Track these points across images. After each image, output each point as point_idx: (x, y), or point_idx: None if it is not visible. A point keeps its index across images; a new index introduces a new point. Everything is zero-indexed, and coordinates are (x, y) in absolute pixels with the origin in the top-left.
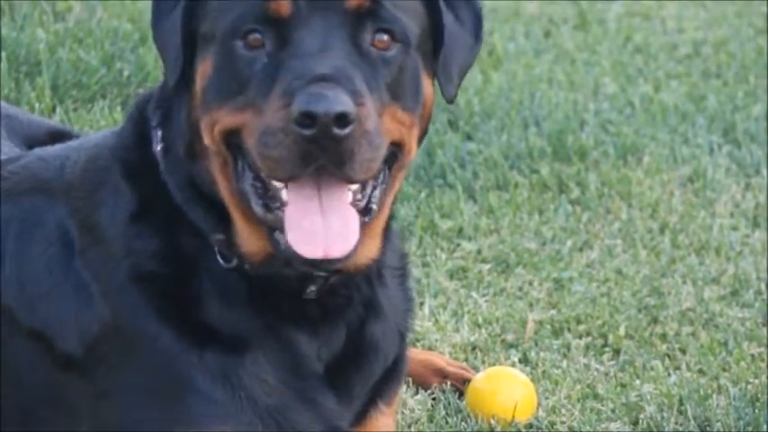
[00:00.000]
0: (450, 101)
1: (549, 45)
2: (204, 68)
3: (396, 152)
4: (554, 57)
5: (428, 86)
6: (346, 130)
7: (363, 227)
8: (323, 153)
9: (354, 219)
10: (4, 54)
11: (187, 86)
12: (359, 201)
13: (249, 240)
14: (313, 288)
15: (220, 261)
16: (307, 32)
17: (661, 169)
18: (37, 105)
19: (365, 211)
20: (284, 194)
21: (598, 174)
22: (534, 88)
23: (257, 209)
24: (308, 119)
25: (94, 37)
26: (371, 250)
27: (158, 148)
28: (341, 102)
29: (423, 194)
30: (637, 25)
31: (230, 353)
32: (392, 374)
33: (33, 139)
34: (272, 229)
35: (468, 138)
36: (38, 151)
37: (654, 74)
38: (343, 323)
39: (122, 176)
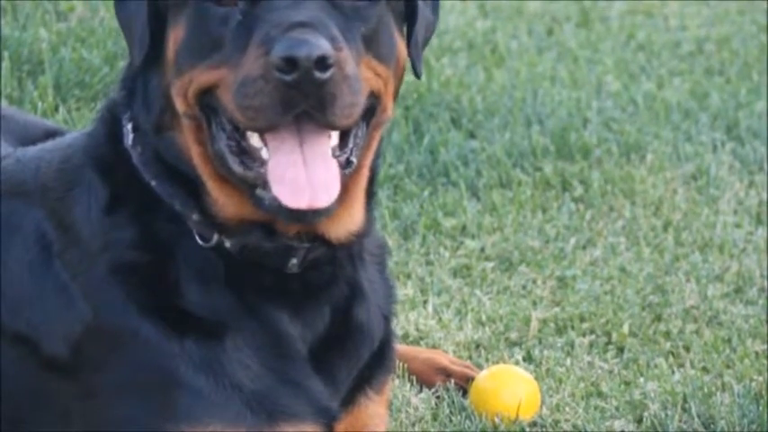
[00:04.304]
0: (420, 76)
1: (551, 43)
2: (176, 34)
3: (373, 105)
4: (557, 54)
5: (401, 44)
6: (327, 74)
7: (345, 183)
8: (304, 98)
9: (335, 168)
10: (6, 53)
11: (157, 58)
12: (339, 156)
13: (225, 206)
14: (294, 261)
15: (199, 241)
16: None
17: (664, 167)
18: (39, 105)
19: (346, 164)
20: (264, 153)
21: (601, 171)
22: (537, 86)
23: (235, 167)
24: (288, 64)
25: (97, 36)
26: (353, 220)
27: (129, 139)
28: (320, 45)
29: (426, 193)
30: (639, 23)
31: (210, 338)
32: (380, 360)
33: (30, 140)
34: (253, 186)
35: (471, 136)
36: (18, 153)
37: (657, 71)
38: (327, 303)
39: (95, 172)
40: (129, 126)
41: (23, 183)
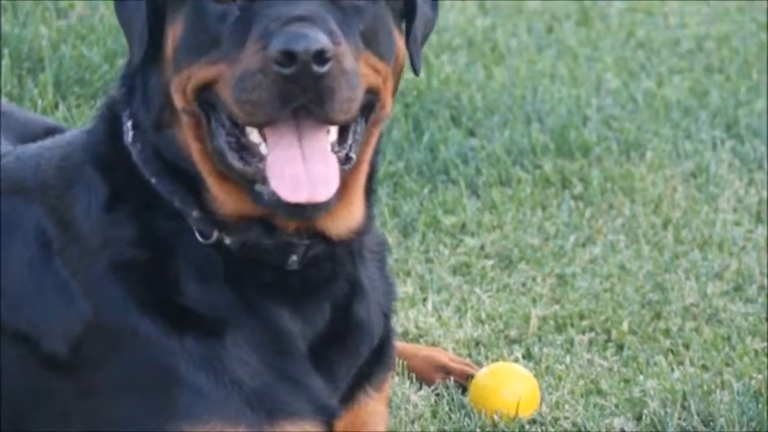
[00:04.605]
0: (418, 72)
1: (551, 41)
2: (175, 31)
3: (372, 101)
4: (557, 52)
5: (400, 41)
6: (325, 68)
7: (344, 179)
8: (302, 92)
9: (334, 163)
10: (6, 51)
11: (156, 55)
12: (338, 151)
13: (225, 202)
14: (294, 258)
15: (199, 238)
16: None
17: (664, 165)
18: (39, 102)
19: (345, 160)
20: (263, 148)
21: (601, 169)
22: (537, 84)
23: (235, 162)
24: (287, 57)
25: (97, 34)
26: (353, 216)
27: (129, 137)
28: (319, 39)
29: (426, 190)
30: (639, 21)
31: (210, 336)
32: (379, 358)
33: (30, 138)
34: (252, 182)
35: (471, 134)
36: (18, 150)
37: (656, 69)
38: (327, 300)
39: (95, 170)
40: (129, 123)
41: (23, 180)
